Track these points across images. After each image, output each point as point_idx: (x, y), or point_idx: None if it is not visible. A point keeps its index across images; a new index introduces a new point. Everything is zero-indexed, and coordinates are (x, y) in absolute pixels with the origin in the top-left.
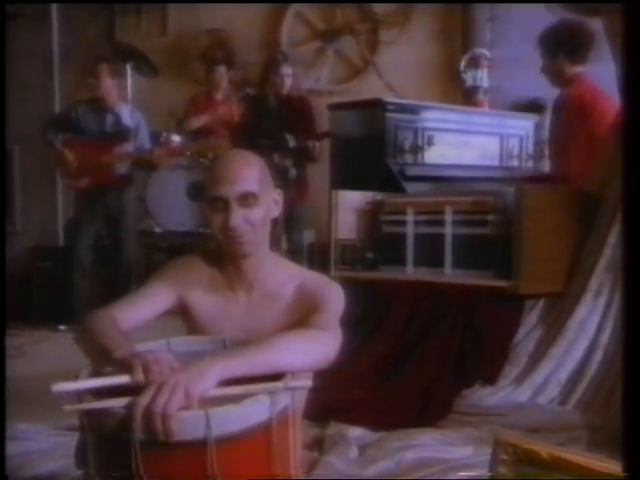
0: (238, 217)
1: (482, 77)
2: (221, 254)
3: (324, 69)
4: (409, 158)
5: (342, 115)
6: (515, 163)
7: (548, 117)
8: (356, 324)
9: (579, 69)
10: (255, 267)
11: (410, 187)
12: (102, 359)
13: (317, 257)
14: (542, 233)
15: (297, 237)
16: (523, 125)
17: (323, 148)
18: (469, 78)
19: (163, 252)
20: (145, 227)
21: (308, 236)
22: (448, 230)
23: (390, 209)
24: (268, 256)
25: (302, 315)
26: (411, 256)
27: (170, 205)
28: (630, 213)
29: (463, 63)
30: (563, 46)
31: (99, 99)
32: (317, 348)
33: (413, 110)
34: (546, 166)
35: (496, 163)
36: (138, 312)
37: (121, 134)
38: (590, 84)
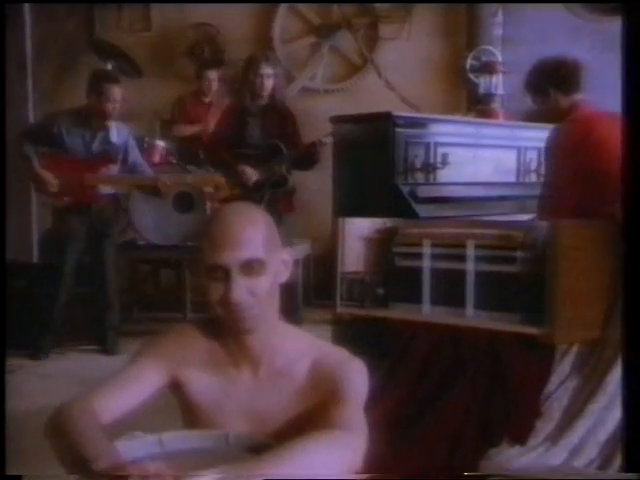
0: (241, 289)
1: (497, 84)
2: (221, 324)
3: (319, 67)
4: (420, 177)
5: (346, 129)
6: (533, 178)
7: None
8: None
9: (576, 97)
10: (262, 342)
11: (422, 210)
12: (78, 468)
13: (313, 269)
14: (579, 273)
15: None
16: (541, 136)
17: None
18: (482, 85)
19: (148, 264)
20: (128, 239)
21: (303, 248)
22: (470, 266)
23: (403, 240)
24: (277, 328)
25: (319, 400)
26: (427, 294)
27: (155, 217)
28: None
29: (469, 61)
30: (550, 80)
31: (92, 117)
32: (342, 456)
33: (424, 124)
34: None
35: (513, 179)
36: (123, 398)
37: (108, 154)
38: (587, 112)
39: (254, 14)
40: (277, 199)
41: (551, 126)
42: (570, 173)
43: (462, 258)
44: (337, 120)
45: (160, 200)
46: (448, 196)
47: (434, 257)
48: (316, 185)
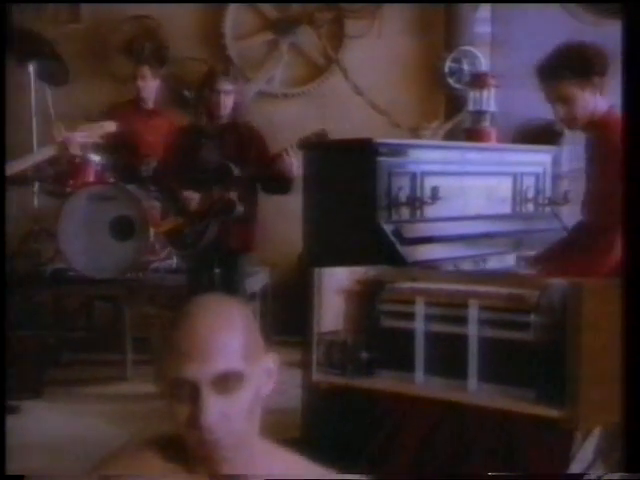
0: (213, 411)
1: (488, 99)
2: (186, 446)
3: (277, 68)
4: (405, 213)
5: (318, 158)
6: (530, 208)
7: (567, 148)
8: (349, 451)
9: (604, 99)
10: (240, 469)
11: (408, 253)
12: None
13: (272, 301)
14: (606, 343)
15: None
16: (539, 159)
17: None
18: (472, 101)
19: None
20: (56, 268)
21: (261, 278)
22: (472, 330)
23: (391, 297)
24: (259, 451)
25: None
26: (421, 361)
27: (89, 244)
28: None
29: (447, 64)
30: (574, 71)
31: None
32: None
33: (410, 151)
34: (568, 213)
35: (508, 210)
36: None
37: None
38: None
39: (202, 6)
40: (228, 231)
41: (548, 148)
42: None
43: (463, 320)
44: (307, 146)
45: (95, 225)
46: (437, 235)
47: (429, 318)
48: (273, 202)
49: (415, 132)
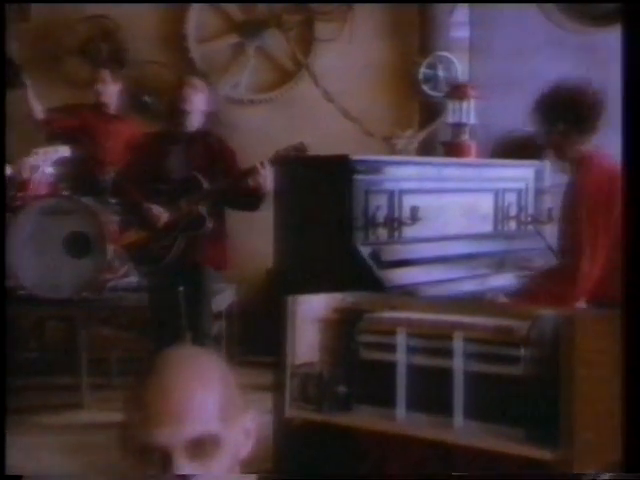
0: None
1: (468, 111)
2: None
3: (244, 72)
4: (383, 234)
5: (291, 174)
6: (513, 226)
7: (549, 161)
8: None
9: (592, 141)
10: None
11: (387, 277)
12: None
13: (238, 319)
14: (601, 378)
15: (205, 323)
16: (521, 174)
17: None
18: (451, 113)
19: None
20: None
21: (227, 296)
22: (458, 364)
23: (371, 327)
24: None
25: None
26: (403, 396)
27: (41, 262)
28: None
29: (422, 70)
30: (564, 115)
31: None
32: None
33: (387, 168)
34: (550, 232)
35: (490, 228)
36: None
37: None
38: (606, 163)
39: (163, 6)
40: (195, 247)
41: (530, 163)
42: (599, 231)
43: (448, 353)
44: (280, 162)
45: (48, 241)
46: (416, 257)
47: (411, 350)
48: (240, 215)
49: (388, 141)
